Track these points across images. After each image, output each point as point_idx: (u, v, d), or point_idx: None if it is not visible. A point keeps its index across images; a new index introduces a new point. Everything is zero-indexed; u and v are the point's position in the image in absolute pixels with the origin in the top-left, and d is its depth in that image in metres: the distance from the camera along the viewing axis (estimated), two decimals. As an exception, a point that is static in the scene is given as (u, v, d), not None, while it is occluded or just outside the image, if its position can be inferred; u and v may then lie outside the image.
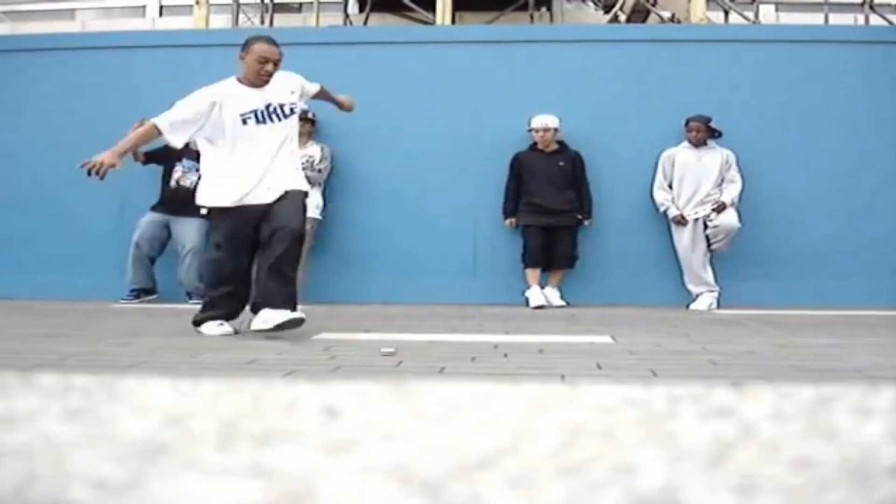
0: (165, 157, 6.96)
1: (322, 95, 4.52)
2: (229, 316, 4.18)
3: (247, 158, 4.02)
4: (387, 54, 7.29)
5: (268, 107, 4.04)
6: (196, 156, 6.95)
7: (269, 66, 4.02)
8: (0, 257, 7.37)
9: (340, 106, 4.64)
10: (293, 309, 3.92)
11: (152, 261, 6.90)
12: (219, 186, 4.07)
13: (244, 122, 4.00)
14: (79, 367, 2.91)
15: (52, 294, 6.94)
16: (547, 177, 6.66)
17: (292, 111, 4.11)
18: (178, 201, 6.91)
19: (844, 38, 7.25)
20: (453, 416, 1.18)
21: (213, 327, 4.09)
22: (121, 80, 7.29)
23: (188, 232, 6.86)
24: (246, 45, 4.07)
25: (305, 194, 4.18)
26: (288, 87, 4.14)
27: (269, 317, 3.87)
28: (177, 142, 4.10)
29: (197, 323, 4.14)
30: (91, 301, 6.60)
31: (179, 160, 6.95)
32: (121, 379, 1.48)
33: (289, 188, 4.06)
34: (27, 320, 4.96)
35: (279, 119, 4.06)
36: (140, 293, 6.84)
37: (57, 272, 7.23)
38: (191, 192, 6.91)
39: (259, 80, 4.03)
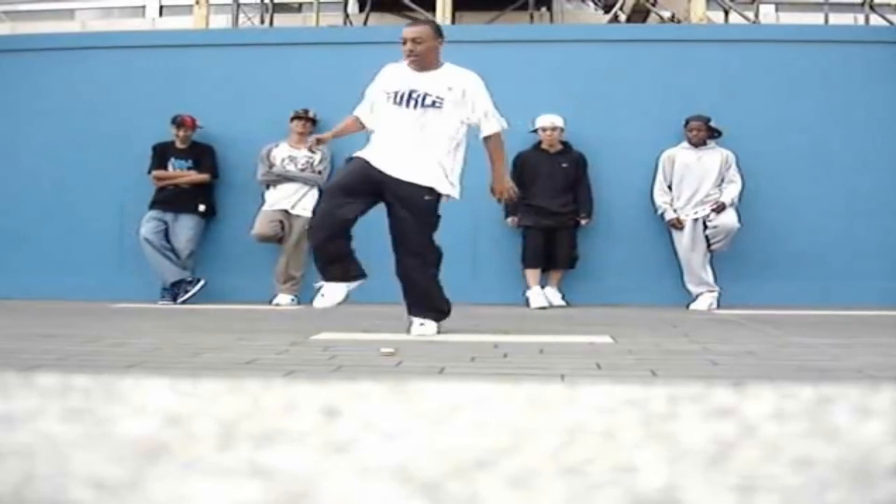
0: (159, 157, 6.98)
1: (490, 148, 4.31)
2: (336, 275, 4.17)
3: (382, 134, 4.12)
4: (387, 54, 7.25)
5: (412, 92, 4.05)
6: (187, 156, 7.00)
7: (408, 45, 4.05)
8: (0, 257, 7.37)
9: (494, 181, 4.45)
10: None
11: (173, 252, 6.85)
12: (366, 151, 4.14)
13: (387, 98, 4.10)
14: (79, 367, 2.90)
15: (52, 294, 6.94)
16: (549, 178, 6.65)
17: (434, 104, 4.05)
18: (174, 200, 6.92)
19: (844, 38, 7.26)
20: (453, 417, 1.18)
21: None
22: (121, 80, 7.29)
23: (184, 229, 6.87)
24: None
25: (432, 193, 4.08)
26: (449, 83, 4.08)
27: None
28: (375, 126, 4.23)
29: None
30: (91, 301, 6.60)
31: (170, 160, 6.97)
32: (121, 379, 1.48)
33: (408, 178, 4.02)
34: (27, 320, 4.96)
35: (416, 106, 4.04)
36: (180, 288, 6.75)
37: (57, 272, 7.23)
38: (184, 191, 6.96)
39: (408, 61, 4.08)
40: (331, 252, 4.09)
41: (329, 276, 4.12)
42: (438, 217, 4.17)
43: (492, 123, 4.19)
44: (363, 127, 4.24)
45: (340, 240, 4.08)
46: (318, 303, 4.15)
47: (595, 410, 1.24)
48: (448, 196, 4.15)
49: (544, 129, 6.67)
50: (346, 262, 4.13)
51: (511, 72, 7.14)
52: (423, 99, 4.04)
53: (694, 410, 1.21)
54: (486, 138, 4.23)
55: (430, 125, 4.05)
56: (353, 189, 4.05)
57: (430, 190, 4.07)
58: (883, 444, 1.00)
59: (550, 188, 6.64)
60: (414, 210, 4.06)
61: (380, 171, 4.04)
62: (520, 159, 6.77)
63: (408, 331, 4.08)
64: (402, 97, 4.05)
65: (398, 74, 4.12)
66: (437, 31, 4.15)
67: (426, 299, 4.15)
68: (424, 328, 4.07)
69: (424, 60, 4.07)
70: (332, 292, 4.11)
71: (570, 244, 6.71)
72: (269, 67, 7.14)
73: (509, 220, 6.81)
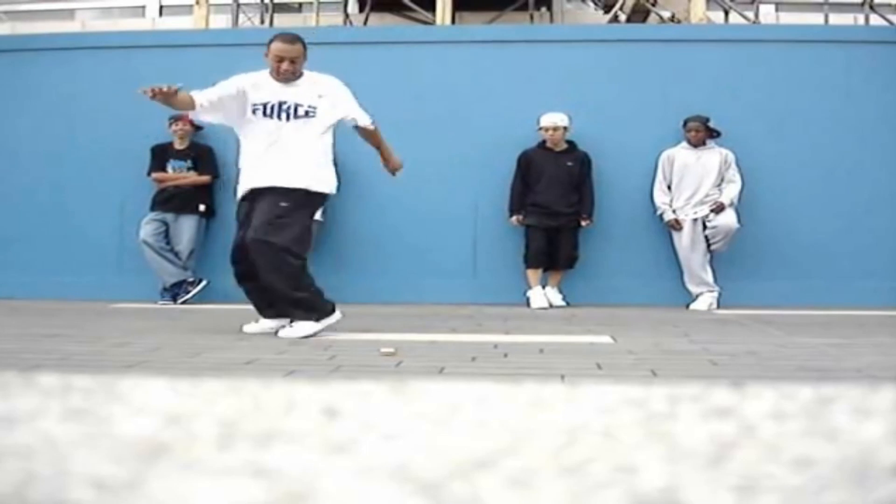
0: (157, 158, 6.99)
1: (368, 136, 4.41)
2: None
3: (254, 149, 4.10)
4: (387, 54, 7.29)
5: (282, 104, 4.05)
6: (185, 157, 7.00)
7: (285, 65, 4.03)
8: (0, 257, 7.37)
9: (385, 162, 4.54)
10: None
11: (173, 253, 6.85)
12: (243, 175, 4.18)
13: (254, 111, 4.07)
14: (79, 367, 2.90)
15: (52, 294, 6.94)
16: (553, 177, 6.64)
17: (307, 114, 4.07)
18: (174, 200, 6.93)
19: (844, 38, 7.25)
20: (453, 417, 1.18)
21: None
22: (121, 80, 7.29)
23: (185, 230, 6.88)
24: (268, 44, 4.10)
25: (307, 194, 4.11)
26: (318, 91, 4.11)
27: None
28: (203, 118, 4.20)
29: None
30: (91, 301, 6.60)
31: (168, 161, 6.97)
32: (121, 379, 1.48)
33: (279, 184, 4.04)
34: (27, 320, 4.96)
35: (289, 118, 4.05)
36: (180, 288, 6.75)
37: (57, 272, 7.23)
38: (184, 192, 6.96)
39: (279, 77, 4.06)
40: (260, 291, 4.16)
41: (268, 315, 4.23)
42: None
43: (363, 116, 4.28)
44: (192, 108, 4.08)
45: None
46: (249, 328, 4.26)
47: (595, 410, 1.24)
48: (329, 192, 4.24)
49: (546, 129, 6.67)
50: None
51: (511, 72, 7.15)
52: (296, 109, 4.06)
53: (694, 410, 1.21)
54: (359, 128, 4.31)
55: (307, 132, 4.08)
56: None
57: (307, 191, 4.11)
58: (883, 444, 1.00)
59: (555, 187, 6.64)
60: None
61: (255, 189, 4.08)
62: (524, 158, 6.77)
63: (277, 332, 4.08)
64: (272, 109, 4.06)
65: (262, 86, 4.08)
66: (306, 47, 4.14)
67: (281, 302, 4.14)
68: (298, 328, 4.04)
69: (294, 77, 4.09)
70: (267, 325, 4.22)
71: (572, 244, 6.71)
72: (268, 67, 7.14)
73: (513, 218, 6.80)
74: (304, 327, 3.96)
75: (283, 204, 4.00)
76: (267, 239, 3.92)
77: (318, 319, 4.00)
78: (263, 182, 4.06)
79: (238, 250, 4.11)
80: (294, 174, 4.05)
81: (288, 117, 4.06)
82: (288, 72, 4.04)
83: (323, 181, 4.17)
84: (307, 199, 4.11)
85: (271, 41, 4.10)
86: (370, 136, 4.40)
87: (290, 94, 4.07)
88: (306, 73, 4.16)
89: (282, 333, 3.99)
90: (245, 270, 4.11)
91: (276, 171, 4.05)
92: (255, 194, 4.09)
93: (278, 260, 3.93)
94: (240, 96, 4.07)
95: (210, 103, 4.06)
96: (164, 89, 3.86)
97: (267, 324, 4.21)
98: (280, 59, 4.03)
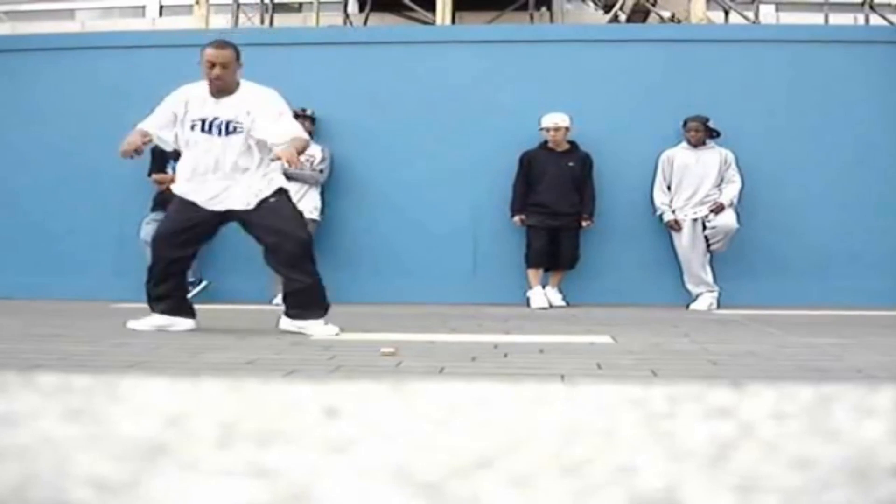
0: (157, 159, 6.98)
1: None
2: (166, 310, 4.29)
3: (196, 163, 4.13)
4: (387, 54, 7.29)
5: (214, 119, 4.07)
6: None
7: (216, 70, 4.02)
8: (0, 257, 7.37)
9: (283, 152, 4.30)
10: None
11: None
12: (179, 180, 4.28)
13: (192, 127, 4.11)
14: (79, 367, 2.90)
15: (52, 294, 6.94)
16: (555, 177, 6.64)
17: (236, 130, 4.06)
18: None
19: (844, 38, 7.26)
20: (453, 417, 1.18)
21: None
22: (121, 80, 7.29)
23: None
24: (201, 52, 4.10)
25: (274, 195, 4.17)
26: (247, 107, 4.07)
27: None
28: (168, 140, 4.27)
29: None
30: (91, 301, 6.59)
31: (168, 162, 6.96)
32: (121, 379, 1.48)
33: (227, 208, 4.12)
34: (27, 320, 4.96)
35: (220, 134, 4.07)
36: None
37: (57, 272, 7.23)
38: None
39: (211, 86, 4.06)
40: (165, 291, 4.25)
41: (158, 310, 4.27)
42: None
43: (277, 134, 4.08)
44: (149, 140, 4.22)
45: (174, 279, 4.28)
46: (133, 324, 4.28)
47: (595, 410, 1.24)
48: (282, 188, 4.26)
49: (548, 129, 6.66)
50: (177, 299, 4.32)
51: (511, 72, 7.15)
52: (226, 126, 4.06)
53: (694, 410, 1.21)
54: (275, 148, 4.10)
55: (236, 147, 4.09)
56: (184, 235, 4.18)
57: (267, 196, 4.16)
58: (883, 444, 1.00)
59: (556, 187, 6.63)
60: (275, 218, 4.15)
61: (213, 211, 4.14)
62: (525, 158, 6.76)
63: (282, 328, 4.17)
64: (207, 125, 4.08)
65: (199, 100, 4.10)
66: (238, 53, 4.11)
67: (314, 297, 4.19)
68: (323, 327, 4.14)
69: (226, 85, 4.07)
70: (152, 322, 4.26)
71: (574, 244, 6.70)
72: (269, 67, 7.13)
73: (515, 218, 6.79)
74: (319, 326, 4.10)
75: (273, 200, 4.16)
76: (300, 235, 4.13)
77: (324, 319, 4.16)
78: (224, 205, 4.11)
79: (162, 243, 4.18)
80: (248, 193, 4.12)
81: (220, 132, 4.08)
82: (219, 77, 4.03)
83: (272, 182, 4.21)
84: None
85: (203, 49, 4.10)
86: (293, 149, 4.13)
87: (220, 109, 4.08)
88: (244, 84, 4.14)
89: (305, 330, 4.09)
90: (167, 268, 4.19)
91: (232, 194, 4.11)
92: (218, 214, 4.15)
93: (309, 254, 4.12)
94: (174, 119, 4.16)
95: (158, 128, 4.20)
96: (137, 146, 4.13)
97: (156, 321, 4.23)
98: (211, 65, 4.03)
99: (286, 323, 4.17)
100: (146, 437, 1.03)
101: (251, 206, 4.12)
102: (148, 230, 6.79)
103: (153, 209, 6.90)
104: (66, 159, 7.37)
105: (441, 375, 2.76)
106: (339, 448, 0.98)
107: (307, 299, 4.12)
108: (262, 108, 4.07)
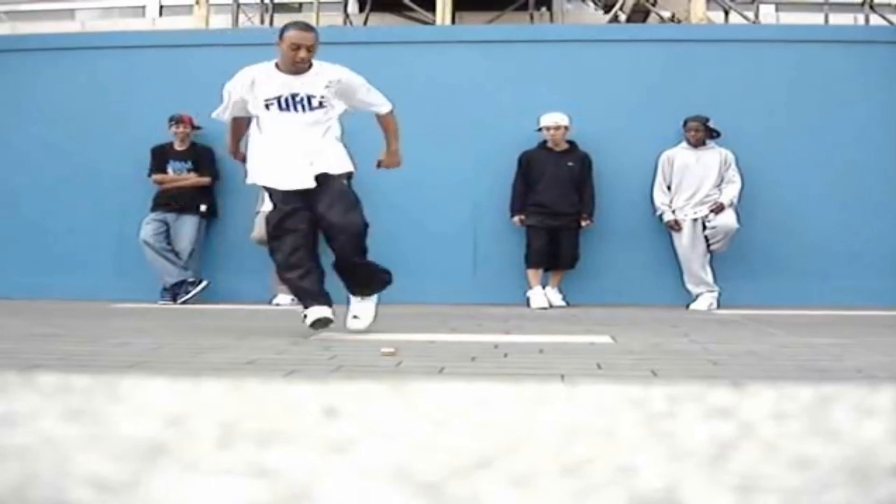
0: (158, 159, 6.99)
1: (384, 124, 4.39)
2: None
3: (273, 142, 4.08)
4: (387, 54, 7.29)
5: (294, 96, 4.05)
6: (186, 158, 7.00)
7: (302, 53, 4.01)
8: (0, 257, 7.37)
9: (385, 155, 4.50)
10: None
11: (174, 253, 6.85)
12: (257, 165, 4.19)
13: (267, 106, 4.06)
14: (79, 367, 2.90)
15: (52, 294, 6.94)
16: (554, 177, 6.64)
17: (321, 104, 4.07)
18: (175, 201, 6.92)
19: (844, 38, 7.26)
20: (453, 417, 1.18)
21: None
22: (121, 80, 7.29)
23: (186, 230, 6.88)
24: (281, 33, 4.09)
25: (349, 175, 4.17)
26: (324, 80, 4.09)
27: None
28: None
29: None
30: (91, 301, 6.59)
31: (169, 162, 6.97)
32: (121, 379, 1.48)
33: (322, 171, 4.05)
34: (27, 320, 4.96)
35: (303, 110, 4.05)
36: (180, 288, 6.74)
37: (57, 272, 7.23)
38: (185, 192, 6.96)
39: (294, 66, 4.04)
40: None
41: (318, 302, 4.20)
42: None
43: (382, 104, 4.28)
44: (247, 120, 4.21)
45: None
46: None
47: (595, 410, 1.24)
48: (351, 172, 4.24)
49: (548, 129, 6.67)
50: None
51: (511, 72, 7.15)
52: (309, 101, 4.06)
53: (694, 410, 1.21)
54: (380, 116, 4.32)
55: (323, 122, 4.10)
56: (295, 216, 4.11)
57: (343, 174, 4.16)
58: (883, 444, 1.00)
59: (556, 187, 6.64)
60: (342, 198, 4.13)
61: (297, 192, 4.07)
62: (524, 157, 6.76)
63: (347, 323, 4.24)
64: (286, 102, 4.06)
65: (269, 80, 4.08)
66: (318, 35, 4.16)
67: (372, 278, 4.34)
68: (369, 305, 4.30)
69: (308, 67, 4.09)
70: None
71: (573, 244, 6.71)
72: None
73: (515, 218, 6.80)
74: (371, 307, 4.30)
75: (345, 182, 4.13)
76: (355, 219, 4.12)
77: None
78: (304, 182, 4.03)
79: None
80: (329, 163, 4.07)
81: (303, 108, 4.06)
82: (305, 60, 4.02)
83: (348, 161, 4.20)
84: (348, 181, 4.21)
85: (285, 30, 4.08)
86: (385, 124, 4.40)
87: (299, 85, 4.06)
88: (315, 63, 4.15)
89: (357, 323, 4.23)
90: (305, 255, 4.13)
91: (312, 163, 4.05)
92: (302, 192, 4.05)
93: (364, 240, 4.19)
94: (243, 104, 4.11)
95: (230, 113, 4.21)
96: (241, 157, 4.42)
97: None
98: (297, 47, 4.00)
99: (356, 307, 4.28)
100: (146, 437, 1.03)
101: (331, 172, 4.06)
102: (148, 230, 6.80)
103: (153, 209, 6.91)
104: (66, 159, 7.37)
105: (441, 375, 2.76)
106: (339, 448, 0.98)
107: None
108: (346, 82, 4.14)
